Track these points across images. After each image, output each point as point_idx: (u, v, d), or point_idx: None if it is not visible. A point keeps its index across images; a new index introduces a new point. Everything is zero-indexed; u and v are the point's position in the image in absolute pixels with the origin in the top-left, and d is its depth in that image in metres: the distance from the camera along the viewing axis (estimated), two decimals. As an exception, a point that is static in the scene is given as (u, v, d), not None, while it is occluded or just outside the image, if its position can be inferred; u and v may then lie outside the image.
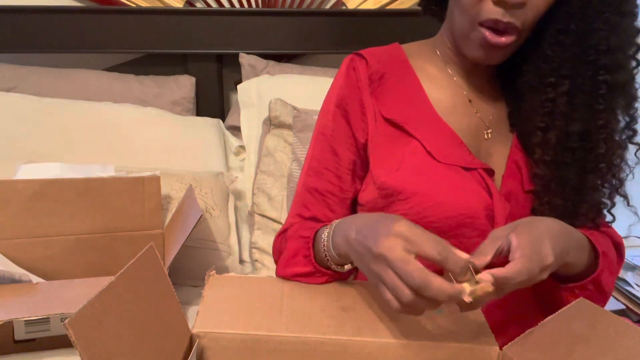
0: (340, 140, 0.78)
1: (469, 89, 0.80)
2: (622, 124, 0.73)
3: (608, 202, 0.75)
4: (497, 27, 0.68)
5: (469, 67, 0.79)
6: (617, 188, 0.74)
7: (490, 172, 0.74)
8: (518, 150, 0.77)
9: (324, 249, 0.66)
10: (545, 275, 0.57)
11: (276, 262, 0.78)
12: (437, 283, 0.49)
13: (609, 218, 0.78)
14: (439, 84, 0.79)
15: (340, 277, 0.68)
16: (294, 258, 0.70)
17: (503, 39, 0.68)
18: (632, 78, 0.71)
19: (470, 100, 0.79)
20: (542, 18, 0.70)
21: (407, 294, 0.51)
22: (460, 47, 0.75)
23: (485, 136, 0.78)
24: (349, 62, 0.81)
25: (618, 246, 0.78)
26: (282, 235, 0.79)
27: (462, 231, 0.71)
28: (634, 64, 0.71)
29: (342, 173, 0.78)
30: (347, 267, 0.66)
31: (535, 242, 0.56)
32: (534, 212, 0.74)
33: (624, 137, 0.73)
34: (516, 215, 0.74)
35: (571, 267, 0.66)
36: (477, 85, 0.80)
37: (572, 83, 0.70)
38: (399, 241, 0.52)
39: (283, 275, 0.70)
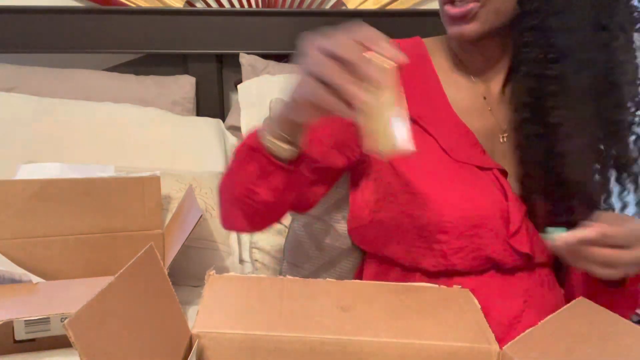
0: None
1: (487, 90, 0.79)
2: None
3: (621, 196, 0.74)
4: (453, 2, 0.69)
5: (482, 66, 0.78)
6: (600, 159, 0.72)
7: (505, 174, 0.73)
8: None
9: (266, 124, 0.67)
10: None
11: (220, 204, 0.75)
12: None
13: (617, 205, 0.75)
14: (457, 83, 0.78)
15: (291, 175, 0.66)
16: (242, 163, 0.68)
17: (459, 9, 0.69)
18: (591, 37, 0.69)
19: (486, 99, 0.78)
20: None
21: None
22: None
23: (501, 139, 0.77)
24: None
25: None
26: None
27: (475, 231, 0.70)
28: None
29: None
30: (290, 149, 0.66)
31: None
32: (529, 215, 0.74)
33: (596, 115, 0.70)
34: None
35: None
36: (495, 86, 0.79)
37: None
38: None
39: (232, 196, 0.69)
